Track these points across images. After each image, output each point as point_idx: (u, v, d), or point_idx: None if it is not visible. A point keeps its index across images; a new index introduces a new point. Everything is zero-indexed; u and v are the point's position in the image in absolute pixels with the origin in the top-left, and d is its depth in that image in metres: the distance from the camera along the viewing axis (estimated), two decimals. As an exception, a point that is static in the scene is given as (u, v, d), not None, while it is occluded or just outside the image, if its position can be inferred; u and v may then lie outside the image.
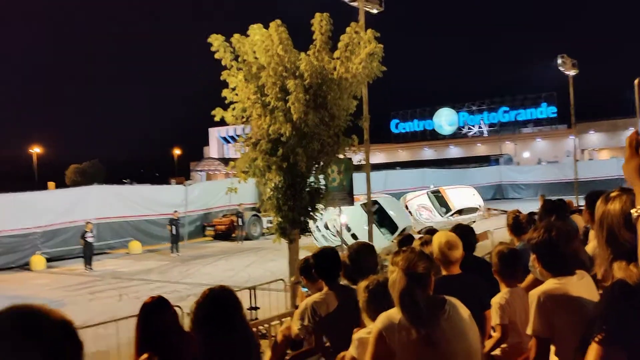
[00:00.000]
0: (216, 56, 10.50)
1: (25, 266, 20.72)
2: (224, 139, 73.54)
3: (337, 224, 18.80)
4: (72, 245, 21.64)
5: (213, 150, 76.23)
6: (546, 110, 70.05)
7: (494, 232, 17.85)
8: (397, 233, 18.80)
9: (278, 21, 10.47)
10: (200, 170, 55.85)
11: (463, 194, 26.43)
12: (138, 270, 19.58)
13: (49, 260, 21.26)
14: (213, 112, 10.78)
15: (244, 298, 9.60)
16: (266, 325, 8.85)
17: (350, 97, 10.93)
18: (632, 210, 1.64)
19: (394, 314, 2.59)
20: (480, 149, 69.69)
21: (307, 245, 15.63)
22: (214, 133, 76.05)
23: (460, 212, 24.67)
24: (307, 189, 10.97)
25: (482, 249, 10.40)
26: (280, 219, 10.86)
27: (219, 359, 2.62)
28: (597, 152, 63.60)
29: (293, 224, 10.86)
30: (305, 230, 11.37)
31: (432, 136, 76.67)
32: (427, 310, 2.52)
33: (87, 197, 23.93)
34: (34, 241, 21.53)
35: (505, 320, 3.92)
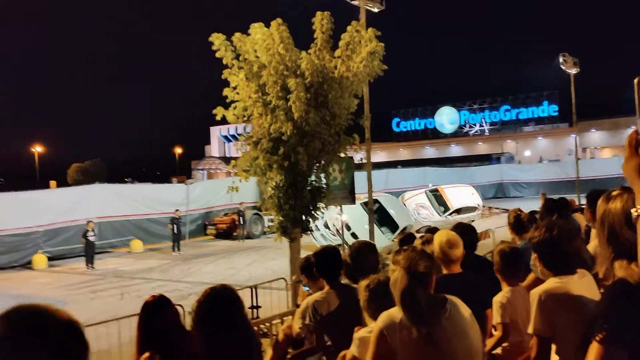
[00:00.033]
0: (217, 55, 10.50)
1: (28, 265, 20.76)
2: (225, 137, 73.59)
3: (337, 223, 18.75)
4: (74, 244, 21.66)
5: (214, 149, 76.29)
6: (548, 109, 70.01)
7: (495, 230, 17.87)
8: (397, 232, 18.75)
9: (279, 20, 10.47)
10: (202, 169, 55.93)
11: (462, 193, 26.21)
12: (139, 269, 19.60)
13: (50, 259, 21.29)
14: (214, 111, 10.77)
15: (246, 297, 9.61)
16: (267, 324, 8.86)
17: (351, 96, 10.92)
18: (632, 210, 1.64)
19: (395, 313, 2.59)
20: (482, 148, 69.65)
21: (306, 245, 15.63)
22: (215, 132, 76.11)
23: (458, 211, 24.47)
24: (309, 188, 10.97)
25: (483, 248, 10.42)
26: (281, 218, 10.87)
27: (220, 357, 2.62)
28: (599, 151, 63.56)
29: (294, 223, 10.87)
30: (307, 229, 11.37)
31: (433, 135, 76.65)
32: (428, 309, 2.52)
33: (89, 196, 23.94)
34: (36, 240, 21.55)
35: (506, 319, 3.92)
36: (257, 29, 10.50)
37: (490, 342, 3.98)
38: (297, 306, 4.93)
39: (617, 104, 65.26)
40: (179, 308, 3.60)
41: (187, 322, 3.23)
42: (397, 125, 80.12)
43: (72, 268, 20.43)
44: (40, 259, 20.78)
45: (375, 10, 15.98)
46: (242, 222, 25.86)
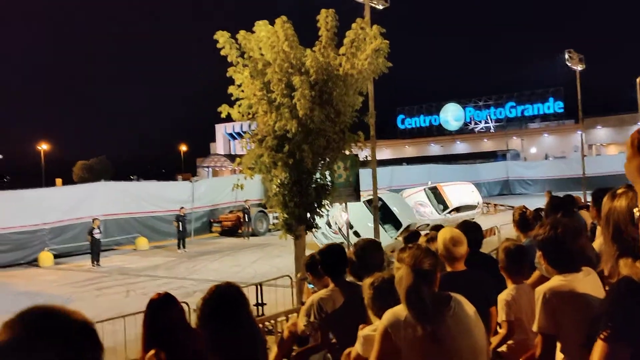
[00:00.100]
0: (222, 53, 10.51)
1: (34, 262, 20.83)
2: (230, 135, 73.65)
3: (339, 222, 18.66)
4: (80, 242, 21.73)
5: (219, 146, 76.35)
6: (553, 106, 69.77)
7: (500, 228, 17.82)
8: (400, 230, 18.66)
9: (284, 17, 10.47)
10: (207, 167, 55.97)
11: (461, 191, 25.71)
12: (145, 266, 19.65)
13: (56, 256, 21.36)
14: (219, 109, 10.79)
15: (251, 294, 9.62)
16: (272, 322, 8.89)
17: (356, 93, 10.92)
18: (635, 210, 1.64)
19: (400, 310, 2.59)
20: (487, 145, 69.48)
21: (307, 243, 15.62)
22: (220, 129, 76.18)
23: (458, 209, 24.04)
24: (313, 185, 10.98)
25: (489, 245, 10.42)
26: (286, 215, 10.88)
27: (226, 355, 2.62)
28: (605, 148, 63.30)
29: (299, 220, 10.88)
30: (312, 226, 11.39)
31: (438, 132, 76.49)
32: (433, 307, 2.52)
33: (95, 194, 23.98)
34: (42, 238, 21.63)
35: (511, 317, 3.92)
36: (261, 27, 10.51)
37: (495, 340, 3.98)
38: (302, 304, 4.94)
39: (623, 101, 65.07)
40: (184, 305, 3.61)
41: (193, 319, 3.24)
42: (402, 122, 79.99)
43: (77, 265, 20.51)
44: (46, 257, 20.86)
45: (380, 7, 15.96)
46: (247, 220, 25.88)
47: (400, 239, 17.02)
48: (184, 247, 22.82)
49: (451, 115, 76.31)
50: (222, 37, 10.46)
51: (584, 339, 1.97)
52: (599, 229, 4.44)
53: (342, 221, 18.65)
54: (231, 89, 10.66)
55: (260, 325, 7.77)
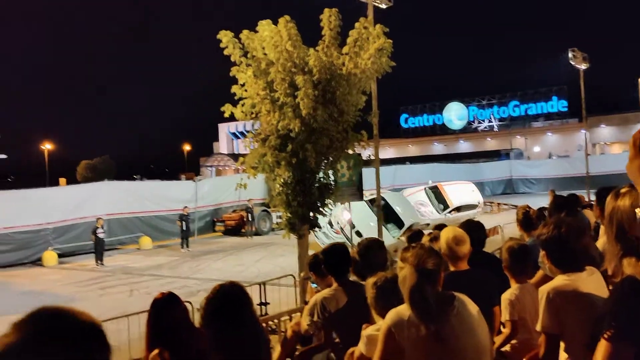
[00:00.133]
0: (225, 52, 10.51)
1: (38, 262, 20.89)
2: (234, 134, 73.70)
3: (340, 221, 18.59)
4: (84, 241, 21.79)
5: (223, 145, 76.40)
6: (557, 104, 69.63)
7: (504, 227, 17.81)
8: (402, 230, 18.60)
9: (287, 17, 10.47)
10: (210, 166, 56.03)
11: (462, 190, 25.48)
12: (148, 265, 19.70)
13: (60, 255, 21.41)
14: (222, 108, 10.79)
15: (254, 293, 9.63)
16: (276, 321, 8.90)
17: (359, 93, 10.91)
18: (637, 210, 1.64)
19: (403, 310, 2.59)
20: (491, 144, 69.40)
21: (308, 243, 15.58)
22: (224, 129, 76.23)
23: (458, 209, 23.83)
24: (317, 185, 10.97)
25: (492, 244, 10.39)
26: (289, 215, 10.88)
27: (229, 354, 2.63)
28: (609, 146, 63.16)
29: (302, 220, 10.88)
30: (315, 225, 11.38)
31: (441, 131, 76.41)
32: (436, 307, 2.53)
33: (98, 193, 24.05)
34: (46, 237, 21.69)
35: (515, 316, 3.92)
36: (265, 26, 10.50)
37: (498, 339, 3.98)
38: (306, 303, 4.94)
39: (626, 99, 64.90)
40: (187, 305, 3.62)
41: (196, 318, 3.25)
42: (406, 121, 79.93)
43: (81, 265, 20.56)
44: (50, 256, 20.92)
45: (383, 6, 15.93)
46: (250, 219, 25.91)
47: (403, 238, 17.01)
48: (187, 246, 22.86)
49: (454, 114, 76.20)
50: (225, 37, 10.46)
51: (588, 338, 1.97)
52: (602, 228, 4.43)
53: (343, 220, 18.59)
54: (234, 89, 10.66)
55: (264, 325, 7.78)
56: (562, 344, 2.80)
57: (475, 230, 4.54)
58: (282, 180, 10.81)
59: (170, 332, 3.28)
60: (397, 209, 19.73)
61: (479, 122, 75.70)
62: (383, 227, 17.14)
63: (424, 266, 2.60)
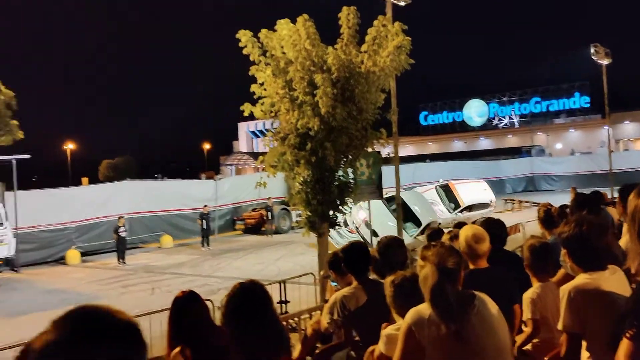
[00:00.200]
0: (244, 52, 10.56)
1: (61, 260, 21.18)
2: (253, 133, 74.02)
3: (356, 220, 18.46)
4: (106, 240, 22.04)
5: (242, 144, 76.81)
6: (579, 100, 68.83)
7: (525, 225, 17.64)
8: (419, 229, 18.44)
9: (305, 16, 10.47)
10: (230, 165, 56.36)
11: (474, 189, 24.93)
12: (170, 264, 19.86)
13: (83, 254, 21.71)
14: (242, 107, 10.83)
15: (274, 292, 9.67)
16: (296, 319, 8.91)
17: (378, 91, 10.88)
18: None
19: (424, 309, 2.59)
20: (512, 141, 68.78)
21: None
22: (243, 127, 76.60)
23: (470, 208, 23.30)
24: (336, 183, 10.98)
25: (513, 242, 10.32)
26: (309, 213, 10.90)
27: (249, 352, 2.65)
28: (633, 143, 62.24)
29: (322, 218, 10.89)
30: (335, 224, 11.39)
31: (461, 128, 75.94)
32: (457, 306, 2.52)
33: (120, 192, 24.29)
34: (69, 236, 21.98)
35: (536, 315, 3.89)
36: (283, 25, 10.53)
37: (520, 338, 3.95)
38: (326, 301, 4.95)
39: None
40: (208, 303, 3.65)
41: (217, 316, 3.28)
42: (425, 118, 79.60)
43: (104, 263, 20.80)
44: (73, 255, 21.20)
45: (402, 3, 15.85)
46: (270, 217, 25.99)
47: (421, 237, 16.92)
48: (208, 244, 23.00)
49: (474, 111, 75.67)
50: (244, 36, 10.51)
51: (610, 337, 1.95)
52: (625, 226, 4.38)
53: (359, 220, 18.50)
54: (254, 88, 10.70)
55: (284, 323, 7.81)
56: (583, 343, 2.77)
57: (495, 228, 4.52)
58: (301, 179, 10.83)
59: (191, 330, 3.32)
60: (415, 209, 19.50)
61: (500, 119, 75.07)
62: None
63: (444, 265, 2.59)
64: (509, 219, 15.49)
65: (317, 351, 4.36)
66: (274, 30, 10.60)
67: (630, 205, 1.88)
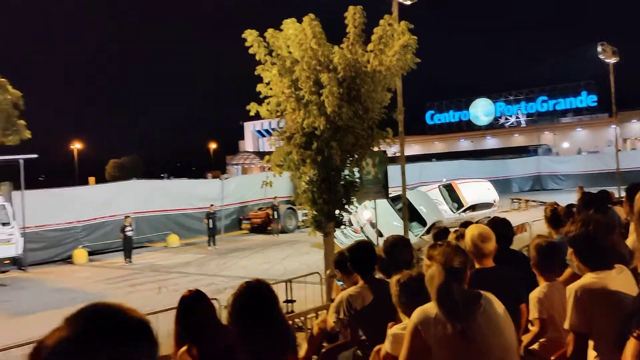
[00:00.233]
0: (250, 51, 10.56)
1: (68, 259, 21.27)
2: (259, 132, 74.08)
3: (360, 220, 18.40)
4: (112, 239, 22.13)
5: (248, 144, 76.89)
6: (586, 99, 68.59)
7: (532, 224, 17.60)
8: (424, 229, 18.39)
9: (311, 15, 10.48)
10: (236, 164, 56.44)
11: (477, 189, 24.54)
12: (176, 263, 19.92)
13: (90, 253, 21.80)
14: (248, 107, 10.85)
15: (280, 291, 9.68)
16: (302, 318, 8.93)
17: (384, 90, 10.88)
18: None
19: (430, 308, 2.59)
20: (518, 140, 68.60)
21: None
22: (249, 127, 76.68)
23: (473, 208, 22.91)
24: (342, 182, 10.98)
25: (520, 242, 10.28)
26: (315, 212, 10.90)
27: (256, 351, 2.65)
28: (640, 142, 61.97)
29: (328, 217, 10.90)
30: (341, 223, 11.39)
31: (468, 127, 75.78)
32: (463, 306, 2.52)
33: (126, 192, 24.37)
34: (76, 235, 22.09)
35: (543, 315, 3.88)
36: (289, 25, 10.53)
37: (527, 338, 3.94)
38: (332, 300, 4.96)
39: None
40: (214, 302, 3.66)
41: (223, 315, 3.29)
42: (431, 117, 79.48)
43: (110, 262, 20.88)
44: (80, 254, 21.30)
45: (408, 2, 15.82)
46: (276, 217, 26.02)
47: (426, 237, 16.88)
48: (214, 244, 23.05)
49: (481, 110, 75.51)
50: (250, 36, 10.52)
51: (617, 336, 1.95)
52: (632, 226, 4.36)
53: (363, 220, 18.45)
54: (259, 87, 10.71)
55: (290, 322, 7.82)
56: (590, 343, 2.77)
57: (501, 227, 4.51)
58: (307, 178, 10.83)
59: (198, 329, 3.33)
60: (420, 208, 19.43)
61: (506, 118, 74.87)
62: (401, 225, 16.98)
63: (451, 264, 2.59)
64: (515, 218, 15.47)
65: (323, 350, 4.36)
66: (280, 30, 10.61)
67: (637, 204, 1.88)
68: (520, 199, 33.91)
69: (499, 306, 2.65)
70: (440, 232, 6.03)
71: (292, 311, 10.27)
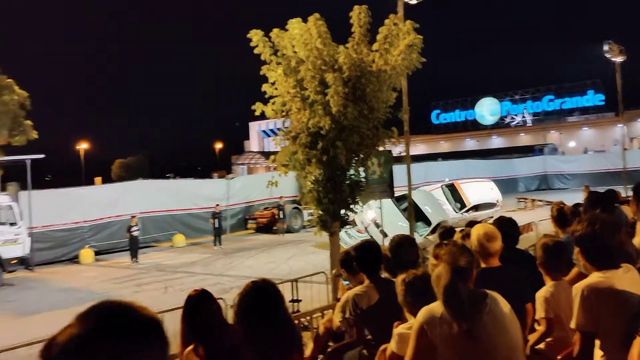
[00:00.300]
0: (255, 51, 10.58)
1: (75, 259, 21.36)
2: (264, 132, 74.12)
3: (364, 220, 18.35)
4: (119, 239, 22.21)
5: (253, 143, 76.93)
6: (593, 98, 68.30)
7: (538, 224, 17.56)
8: (429, 229, 18.35)
9: (317, 15, 10.48)
10: (242, 164, 56.47)
11: (480, 189, 24.48)
12: (182, 262, 19.96)
13: (97, 253, 21.88)
14: (253, 107, 10.86)
15: (286, 291, 9.68)
16: (308, 318, 8.94)
17: (389, 89, 10.87)
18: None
19: (436, 307, 2.59)
20: (524, 139, 68.36)
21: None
22: (255, 127, 76.74)
23: (476, 207, 22.85)
24: (347, 182, 10.98)
25: (526, 241, 10.26)
26: (321, 212, 10.91)
27: (262, 350, 2.66)
28: (647, 141, 61.65)
29: (334, 217, 10.90)
30: (346, 223, 11.39)
31: (473, 126, 75.61)
32: (469, 305, 2.52)
33: (132, 192, 24.46)
34: (83, 235, 22.19)
35: (550, 314, 3.87)
36: (294, 24, 10.54)
37: (533, 337, 3.93)
38: (338, 300, 4.96)
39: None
40: (220, 302, 3.67)
41: (229, 315, 3.29)
42: (437, 117, 79.35)
43: (117, 262, 20.95)
44: (87, 253, 21.39)
45: (413, 1, 15.82)
46: (281, 216, 26.04)
47: (431, 237, 16.85)
48: (220, 243, 23.08)
49: (487, 109, 75.33)
50: (255, 36, 10.53)
51: (623, 336, 1.94)
52: (639, 225, 4.35)
53: (367, 220, 18.41)
54: (265, 87, 10.72)
55: (296, 322, 7.83)
56: (597, 342, 2.76)
57: (508, 227, 4.50)
58: (313, 178, 10.84)
59: (204, 328, 3.34)
60: (425, 208, 19.35)
61: (512, 118, 74.67)
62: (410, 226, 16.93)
63: (457, 264, 2.59)
64: (521, 218, 15.42)
65: (329, 350, 4.37)
66: (285, 30, 10.62)
67: (643, 203, 1.87)
68: (526, 199, 33.81)
69: (504, 305, 2.65)
70: (446, 232, 6.02)
71: (298, 311, 10.28)
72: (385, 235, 16.21)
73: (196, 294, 3.54)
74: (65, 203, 21.84)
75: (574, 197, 15.83)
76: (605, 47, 30.63)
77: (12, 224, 18.06)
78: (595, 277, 2.79)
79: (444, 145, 73.68)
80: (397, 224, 17.43)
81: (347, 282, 5.20)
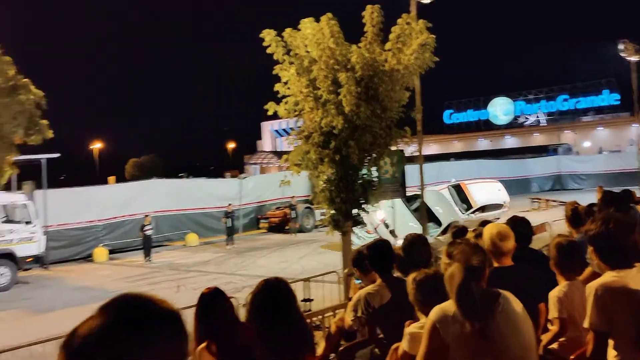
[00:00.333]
0: (268, 51, 10.61)
1: (89, 258, 21.54)
2: (277, 132, 74.20)
3: (373, 221, 18.26)
4: (132, 238, 22.36)
5: (266, 143, 77.04)
6: (608, 98, 67.61)
7: (552, 224, 17.43)
8: (440, 229, 18.25)
9: (329, 14, 10.49)
10: (254, 163, 56.58)
11: (487, 189, 23.91)
12: (195, 261, 20.04)
13: (110, 252, 22.04)
14: (266, 106, 10.89)
15: (298, 290, 9.67)
16: (320, 317, 8.95)
17: (402, 89, 10.86)
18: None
19: (448, 306, 2.59)
20: (538, 139, 67.77)
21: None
22: (267, 126, 76.86)
23: (483, 209, 22.21)
24: (360, 181, 10.98)
25: (540, 241, 10.19)
26: (333, 211, 10.92)
27: (274, 349, 2.67)
28: (663, 141, 60.95)
29: (346, 216, 10.90)
30: (358, 222, 11.38)
31: (486, 126, 75.15)
32: (481, 304, 2.51)
33: (146, 191, 24.61)
34: (97, 234, 22.36)
35: (563, 314, 3.84)
36: (307, 24, 10.55)
37: (546, 337, 3.91)
38: (349, 299, 4.96)
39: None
40: (233, 300, 3.69)
41: (242, 313, 3.31)
42: (450, 117, 78.99)
43: (130, 261, 21.09)
44: (101, 252, 21.55)
45: (426, 1, 15.76)
46: (294, 216, 26.07)
47: (441, 238, 16.77)
48: (232, 243, 23.16)
49: (500, 109, 74.81)
50: (268, 36, 10.56)
51: (637, 335, 1.93)
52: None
53: (376, 220, 18.34)
54: (277, 87, 10.75)
55: (308, 321, 7.84)
56: (610, 342, 2.74)
57: (521, 227, 4.48)
58: (325, 177, 10.85)
59: (217, 326, 3.36)
60: (436, 209, 19.21)
61: (526, 117, 74.15)
62: (421, 226, 16.85)
63: (470, 263, 2.58)
64: (535, 218, 15.30)
65: (341, 348, 4.37)
66: (298, 29, 10.63)
67: (658, 202, 1.86)
68: (540, 199, 33.55)
69: (517, 305, 2.64)
70: (458, 231, 6.01)
71: (310, 310, 10.29)
72: (395, 236, 16.13)
73: (209, 292, 3.56)
74: (80, 202, 22.02)
75: (589, 197, 15.71)
76: (621, 46, 30.31)
77: (27, 223, 18.21)
78: (609, 277, 2.77)
79: (456, 145, 73.28)
80: (407, 225, 17.35)
81: (359, 281, 5.20)
